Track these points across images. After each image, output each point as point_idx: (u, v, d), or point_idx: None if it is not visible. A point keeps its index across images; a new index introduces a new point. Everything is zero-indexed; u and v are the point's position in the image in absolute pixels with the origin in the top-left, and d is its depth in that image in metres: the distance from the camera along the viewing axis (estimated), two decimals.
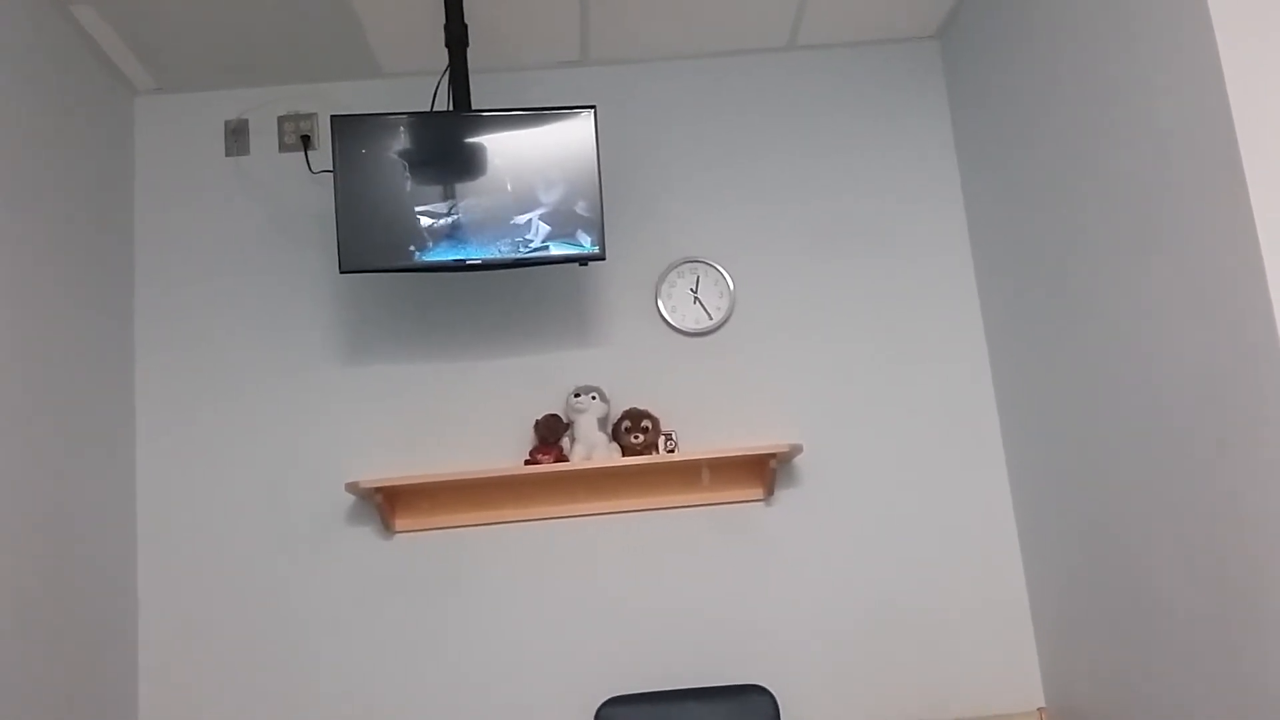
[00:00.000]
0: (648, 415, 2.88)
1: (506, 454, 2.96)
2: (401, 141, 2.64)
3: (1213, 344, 1.95)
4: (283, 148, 3.11)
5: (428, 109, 3.01)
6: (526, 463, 2.87)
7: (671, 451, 2.89)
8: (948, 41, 3.15)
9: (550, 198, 2.66)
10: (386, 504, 2.85)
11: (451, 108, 2.75)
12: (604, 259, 2.69)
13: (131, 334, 3.00)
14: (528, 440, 2.96)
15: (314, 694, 2.85)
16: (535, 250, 2.65)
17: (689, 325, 3.03)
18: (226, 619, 2.88)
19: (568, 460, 2.85)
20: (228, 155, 3.11)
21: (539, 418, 2.92)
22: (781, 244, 3.09)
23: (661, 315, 3.04)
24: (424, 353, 3.02)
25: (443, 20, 2.86)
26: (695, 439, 2.98)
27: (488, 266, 2.64)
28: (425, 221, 2.63)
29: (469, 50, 3.01)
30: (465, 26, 2.77)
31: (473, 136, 2.66)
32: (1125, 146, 2.20)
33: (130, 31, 2.81)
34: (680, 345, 3.04)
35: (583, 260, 2.68)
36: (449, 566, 2.92)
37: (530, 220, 2.64)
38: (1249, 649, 1.93)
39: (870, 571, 2.93)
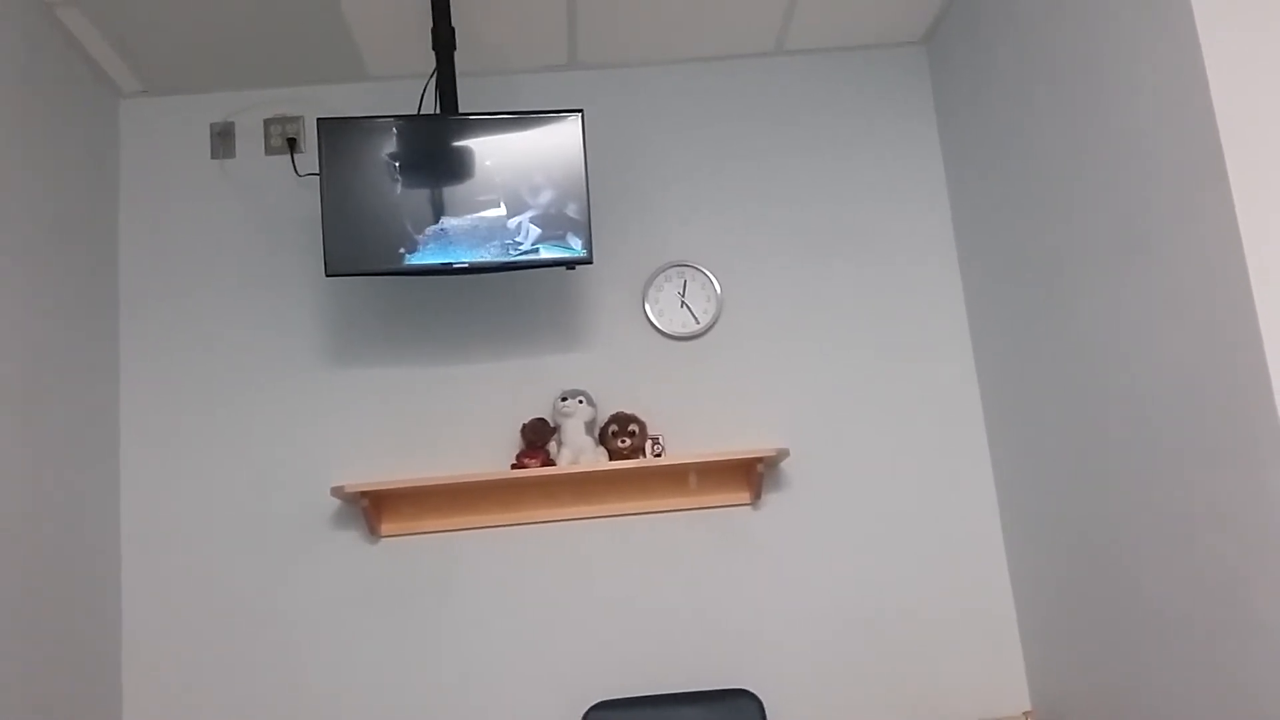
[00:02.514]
0: (635, 419, 2.88)
1: (493, 458, 2.95)
2: (389, 145, 2.63)
3: (1197, 347, 1.96)
4: (269, 151, 3.10)
5: (415, 112, 3.00)
6: (513, 467, 2.87)
7: (658, 455, 2.89)
8: (934, 47, 3.16)
9: (539, 201, 2.66)
10: (372, 508, 2.84)
11: (439, 111, 2.75)
12: (591, 263, 2.69)
13: (116, 337, 2.98)
14: (514, 444, 2.95)
15: (299, 699, 2.83)
16: (525, 253, 2.65)
17: (676, 329, 3.03)
18: (211, 623, 2.86)
19: (554, 464, 2.84)
20: (213, 158, 3.10)
21: (526, 422, 2.91)
22: (768, 248, 3.09)
23: (649, 319, 3.04)
24: (410, 356, 3.01)
25: (430, 23, 2.85)
26: (682, 443, 2.98)
27: (475, 270, 2.64)
28: (412, 225, 2.62)
29: (456, 54, 3.01)
30: (453, 30, 2.77)
31: (460, 140, 2.65)
32: (1110, 151, 2.21)
33: (115, 34, 2.80)
34: (667, 349, 3.04)
35: (570, 264, 2.68)
36: (435, 571, 2.91)
37: (520, 223, 2.64)
38: (1234, 652, 1.94)
39: (857, 575, 2.93)
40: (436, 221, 2.63)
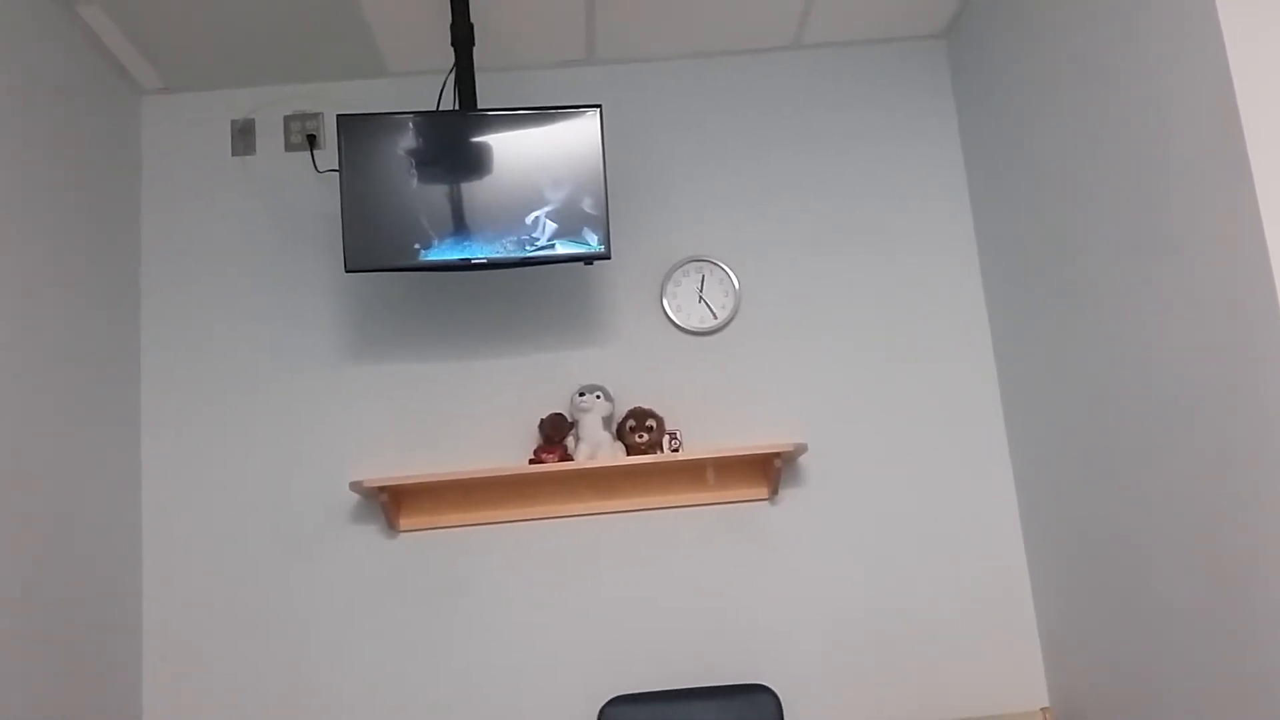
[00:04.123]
0: (652, 414, 2.88)
1: (511, 453, 2.96)
2: (407, 141, 2.64)
3: (1218, 345, 1.95)
4: (289, 147, 3.12)
5: (433, 108, 3.01)
6: (531, 462, 2.87)
7: (676, 451, 2.89)
8: (954, 41, 3.14)
9: (556, 196, 2.66)
10: (391, 503, 2.85)
11: (457, 107, 2.75)
12: (609, 258, 2.70)
13: (137, 333, 3.01)
14: (532, 439, 2.96)
15: (318, 693, 2.85)
16: (541, 248, 2.65)
17: (694, 324, 3.03)
18: (230, 618, 2.89)
19: (572, 459, 2.85)
20: (234, 155, 3.12)
21: (544, 417, 2.92)
22: (787, 243, 3.09)
23: (666, 314, 3.04)
24: (429, 352, 3.02)
25: (449, 19, 2.86)
26: (700, 438, 2.98)
27: (493, 265, 2.64)
28: (430, 221, 2.63)
29: (475, 49, 3.01)
30: (471, 26, 2.78)
31: (478, 136, 2.66)
32: (1132, 145, 2.20)
33: (137, 31, 2.82)
34: (685, 344, 3.04)
35: (588, 259, 2.68)
36: (453, 566, 2.92)
37: (537, 218, 2.65)
38: (1252, 648, 1.92)
39: (875, 571, 2.93)
40: (455, 217, 2.64)
